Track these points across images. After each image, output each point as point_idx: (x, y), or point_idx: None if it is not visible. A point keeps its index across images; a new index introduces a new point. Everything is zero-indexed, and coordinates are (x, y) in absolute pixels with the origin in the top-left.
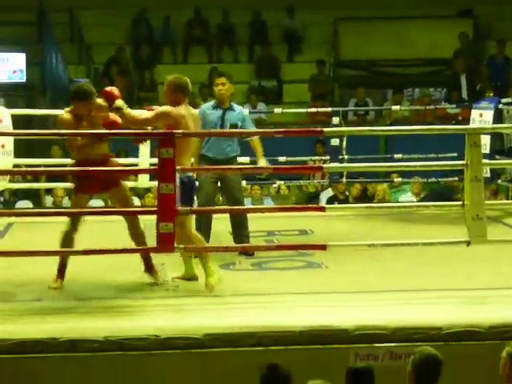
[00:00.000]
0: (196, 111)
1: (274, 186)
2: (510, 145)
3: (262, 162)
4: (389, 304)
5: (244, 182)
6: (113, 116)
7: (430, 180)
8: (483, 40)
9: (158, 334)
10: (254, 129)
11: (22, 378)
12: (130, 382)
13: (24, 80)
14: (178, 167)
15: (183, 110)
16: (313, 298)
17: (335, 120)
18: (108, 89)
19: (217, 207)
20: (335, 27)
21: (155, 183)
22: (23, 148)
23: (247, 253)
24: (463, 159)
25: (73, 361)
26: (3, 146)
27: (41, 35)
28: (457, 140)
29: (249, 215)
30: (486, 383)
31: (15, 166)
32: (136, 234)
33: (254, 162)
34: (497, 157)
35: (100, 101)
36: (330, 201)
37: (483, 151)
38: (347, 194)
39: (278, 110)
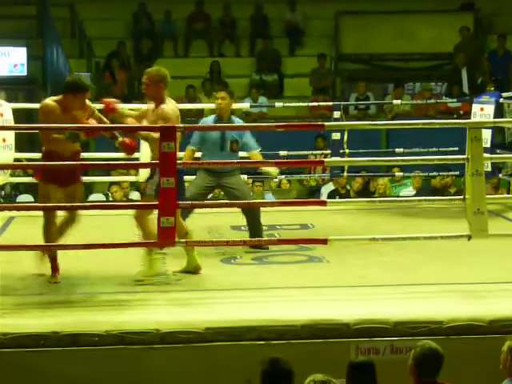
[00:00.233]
0: (176, 104)
1: (275, 180)
2: (511, 139)
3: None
4: (390, 298)
5: (245, 177)
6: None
7: (430, 174)
8: (484, 34)
9: (159, 327)
10: (254, 143)
11: (23, 371)
12: (130, 376)
13: (25, 74)
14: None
15: (172, 106)
16: (314, 292)
17: (336, 114)
18: (107, 101)
19: (217, 201)
20: (336, 21)
21: None
22: (24, 142)
23: (260, 246)
24: (464, 153)
25: (74, 354)
26: (4, 140)
27: (42, 29)
28: (458, 134)
29: None
30: (487, 377)
31: (16, 160)
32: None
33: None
34: (498, 151)
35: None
36: (331, 195)
37: (484, 145)
38: (348, 188)
39: (279, 104)
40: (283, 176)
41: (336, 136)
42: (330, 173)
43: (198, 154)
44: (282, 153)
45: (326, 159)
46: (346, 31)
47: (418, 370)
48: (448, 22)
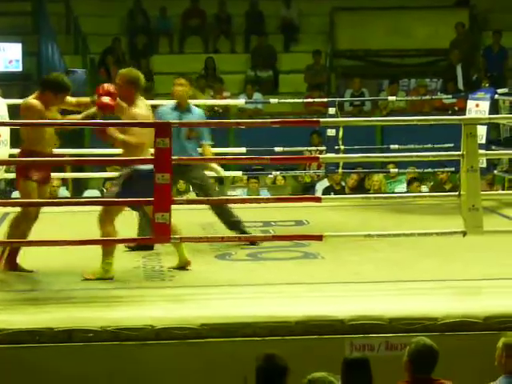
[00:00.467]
0: (148, 104)
1: (270, 176)
2: (506, 135)
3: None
4: (385, 294)
5: (240, 173)
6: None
7: (425, 170)
8: (479, 30)
9: (154, 324)
10: (208, 135)
11: (17, 367)
12: (125, 372)
13: (20, 70)
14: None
15: (143, 107)
16: (309, 288)
17: (331, 110)
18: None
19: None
20: (332, 17)
21: None
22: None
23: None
24: (459, 150)
25: (69, 350)
26: None
27: (37, 25)
28: (453, 130)
29: (244, 206)
30: (482, 374)
31: (11, 156)
32: None
33: (250, 153)
34: (493, 147)
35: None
36: (326, 191)
37: (479, 141)
38: (343, 184)
39: (274, 101)
40: (278, 172)
41: (331, 132)
42: (324, 169)
43: None
44: (277, 149)
45: (320, 155)
46: (341, 27)
47: (413, 367)
48: (443, 19)
